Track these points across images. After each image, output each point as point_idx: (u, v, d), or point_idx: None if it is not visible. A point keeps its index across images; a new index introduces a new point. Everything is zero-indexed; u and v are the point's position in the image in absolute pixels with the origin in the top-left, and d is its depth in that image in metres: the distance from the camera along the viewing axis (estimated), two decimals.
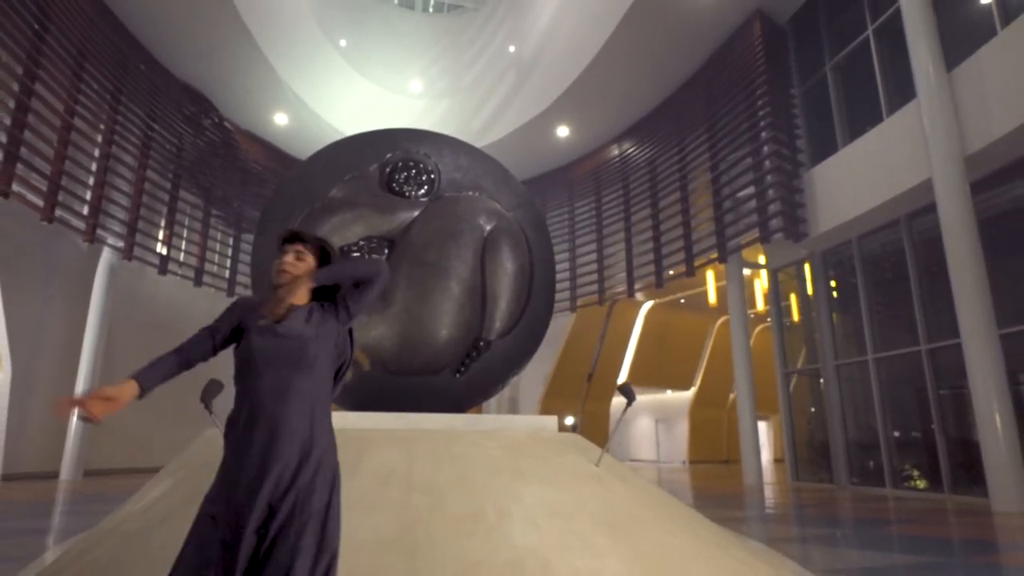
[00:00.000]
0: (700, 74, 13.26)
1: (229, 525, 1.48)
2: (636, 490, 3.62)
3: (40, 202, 10.12)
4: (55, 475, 11.72)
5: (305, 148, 16.10)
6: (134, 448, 13.65)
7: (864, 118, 10.20)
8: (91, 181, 11.60)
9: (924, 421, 9.30)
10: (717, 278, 14.48)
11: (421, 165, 4.87)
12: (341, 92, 16.57)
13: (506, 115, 16.40)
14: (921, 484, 9.29)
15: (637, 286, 15.15)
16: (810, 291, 11.69)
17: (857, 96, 10.56)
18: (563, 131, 15.82)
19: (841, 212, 10.20)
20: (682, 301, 19.03)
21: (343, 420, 3.73)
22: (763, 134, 11.55)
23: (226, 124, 15.20)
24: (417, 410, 4.06)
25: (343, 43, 17.37)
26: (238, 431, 1.57)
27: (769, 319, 12.80)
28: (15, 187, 9.59)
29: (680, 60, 13.01)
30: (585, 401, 18.40)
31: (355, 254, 4.58)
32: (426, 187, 4.83)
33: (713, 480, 13.80)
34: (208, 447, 3.81)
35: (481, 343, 4.64)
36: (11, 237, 11.27)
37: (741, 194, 12.28)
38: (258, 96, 14.86)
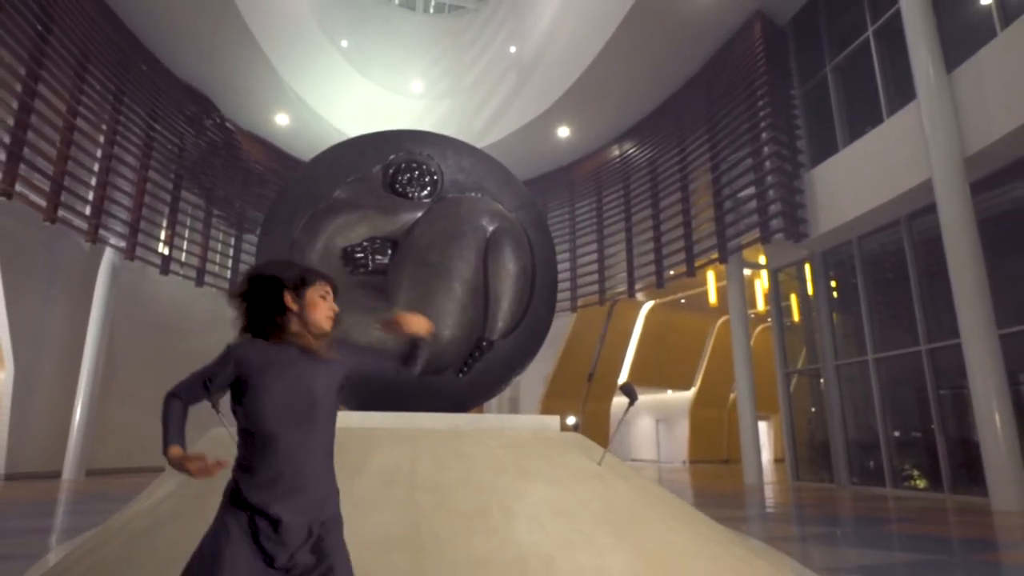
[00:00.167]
0: (701, 75, 13.29)
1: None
2: (638, 489, 3.65)
3: (43, 202, 10.16)
4: (57, 474, 11.75)
5: (306, 148, 16.14)
6: (136, 448, 13.68)
7: (864, 119, 10.23)
8: (93, 181, 11.63)
9: (924, 421, 9.33)
10: (718, 278, 14.51)
11: (424, 166, 4.91)
12: (342, 92, 16.60)
13: (507, 116, 16.43)
14: (921, 484, 9.32)
15: (638, 286, 15.18)
16: (810, 291, 11.72)
17: (857, 97, 10.59)
18: (564, 131, 15.85)
19: (841, 212, 10.23)
20: (683, 301, 19.07)
21: (347, 420, 3.76)
22: (763, 135, 11.58)
23: (228, 124, 15.24)
24: (420, 410, 4.09)
25: (344, 44, 17.40)
26: (257, 488, 1.44)
27: (769, 319, 12.83)
28: (18, 187, 9.62)
29: (681, 61, 13.04)
30: (586, 401, 18.43)
31: (358, 254, 4.61)
32: (429, 188, 4.86)
33: (713, 480, 13.83)
34: (213, 445, 3.84)
35: (484, 343, 4.67)
36: (14, 237, 11.30)
37: (742, 194, 12.31)
38: (259, 96, 14.89)
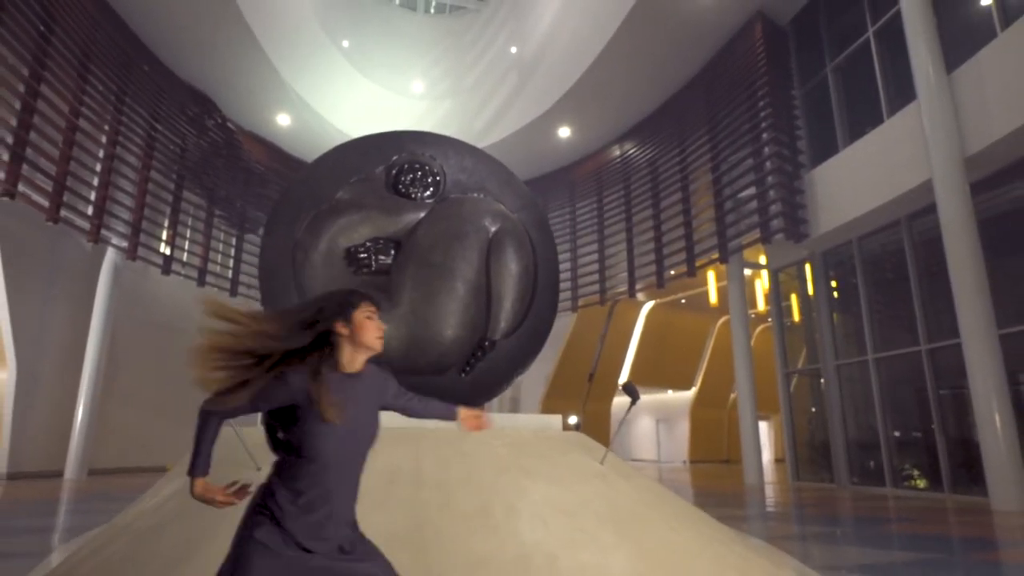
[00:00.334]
0: (701, 75, 13.31)
1: None
2: (640, 488, 3.67)
3: (45, 202, 10.19)
4: (59, 474, 11.78)
5: (308, 149, 16.16)
6: (137, 447, 13.72)
7: (865, 119, 10.25)
8: (95, 182, 11.66)
9: (924, 421, 9.35)
10: (718, 278, 14.53)
11: (427, 167, 4.93)
12: (343, 93, 16.62)
13: (508, 116, 16.45)
14: (921, 483, 9.34)
15: (638, 286, 15.20)
16: (811, 291, 11.74)
17: (858, 97, 10.61)
18: (564, 132, 15.87)
19: (842, 213, 10.25)
20: (683, 301, 19.09)
21: None
22: (764, 135, 11.60)
23: (229, 125, 15.26)
24: None
25: (345, 44, 17.42)
26: (296, 512, 1.45)
27: (770, 319, 12.85)
28: (20, 187, 9.65)
29: (681, 61, 13.06)
30: (586, 401, 18.44)
31: (362, 254, 4.63)
32: (432, 189, 4.89)
33: (714, 479, 13.85)
34: (218, 445, 3.86)
35: (486, 343, 4.70)
36: (16, 237, 11.33)
37: (742, 195, 12.33)
38: (261, 97, 14.92)
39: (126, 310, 13.32)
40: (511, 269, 4.78)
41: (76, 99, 10.88)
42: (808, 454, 11.91)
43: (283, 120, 15.80)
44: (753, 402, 11.83)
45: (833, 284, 11.59)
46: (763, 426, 19.93)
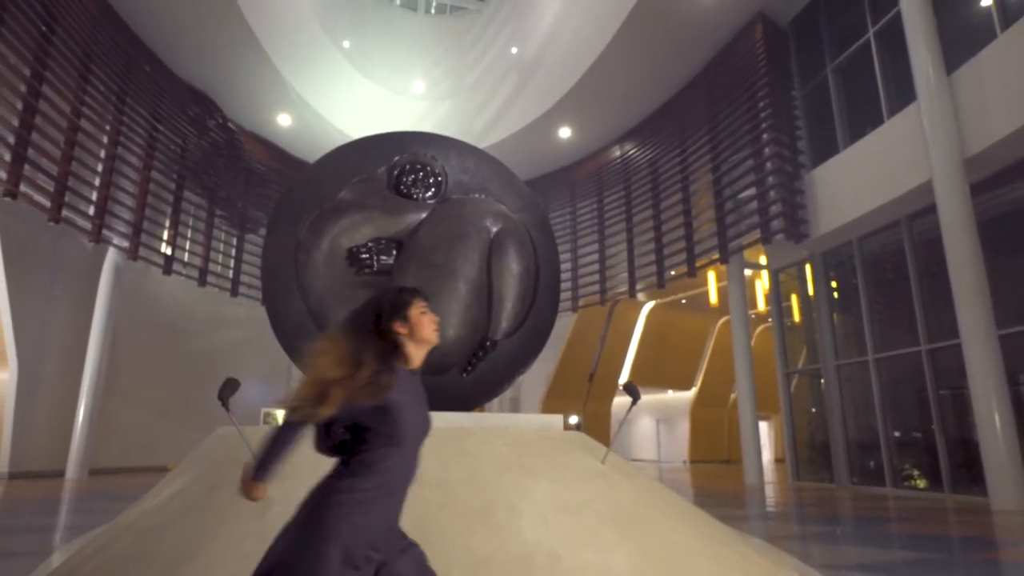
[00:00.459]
0: (702, 76, 13.32)
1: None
2: (641, 487, 3.69)
3: (47, 202, 10.21)
4: (61, 473, 11.80)
5: (309, 149, 16.18)
6: (138, 447, 13.74)
7: (865, 120, 10.26)
8: (97, 182, 11.68)
9: (924, 421, 9.36)
10: (718, 278, 14.54)
11: (428, 168, 4.95)
12: (344, 93, 16.64)
13: (508, 116, 16.47)
14: (921, 483, 9.35)
15: (639, 286, 15.21)
16: (811, 292, 11.75)
17: (858, 98, 10.62)
18: (565, 132, 15.89)
19: (842, 213, 10.26)
20: (683, 301, 19.10)
21: None
22: (764, 135, 11.61)
23: (230, 125, 15.28)
24: None
25: (346, 44, 17.44)
26: (368, 526, 1.52)
27: (770, 319, 12.86)
28: (22, 187, 9.68)
29: (682, 62, 13.08)
30: (587, 401, 18.46)
31: (363, 255, 4.65)
32: (433, 189, 4.91)
33: (714, 479, 13.87)
34: (221, 445, 3.89)
35: (488, 343, 4.71)
36: (18, 237, 11.36)
37: (742, 195, 12.35)
38: (262, 97, 14.94)
39: (127, 310, 13.35)
40: (512, 269, 4.79)
41: (77, 99, 10.90)
42: (808, 454, 11.92)
43: (284, 120, 15.82)
44: (753, 402, 11.84)
45: (833, 284, 11.60)
46: (763, 426, 19.94)
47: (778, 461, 23.57)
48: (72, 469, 11.72)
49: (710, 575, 3.02)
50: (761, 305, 16.35)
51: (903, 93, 9.26)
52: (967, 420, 8.40)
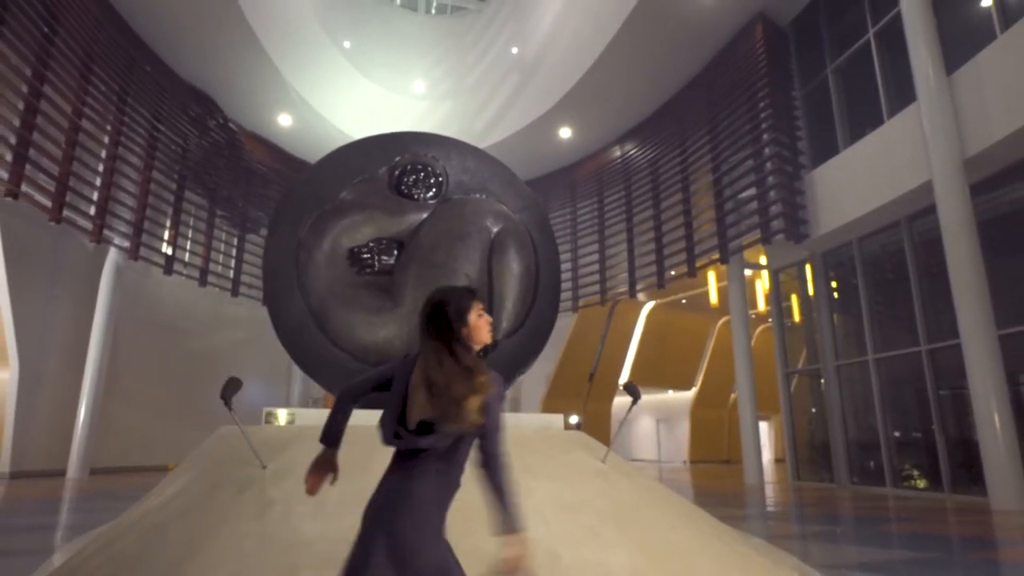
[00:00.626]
0: (702, 76, 13.34)
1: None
2: (641, 487, 3.70)
3: (48, 202, 10.23)
4: (62, 473, 11.81)
5: (309, 149, 16.20)
6: (139, 447, 13.76)
7: (865, 120, 10.27)
8: (98, 182, 11.70)
9: (924, 421, 9.37)
10: (718, 279, 14.55)
11: (429, 168, 4.96)
12: (345, 93, 16.65)
13: (509, 116, 16.48)
14: (921, 483, 9.36)
15: (639, 286, 15.23)
16: (811, 292, 11.76)
17: (858, 98, 10.63)
18: (565, 132, 15.90)
19: (842, 213, 10.28)
20: (683, 301, 19.10)
21: (354, 418, 3.80)
22: (764, 136, 11.62)
23: (231, 125, 15.30)
24: None
25: (347, 44, 17.45)
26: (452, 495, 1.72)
27: (770, 320, 12.87)
28: (24, 188, 9.69)
29: (682, 62, 13.09)
30: (587, 401, 18.47)
31: (365, 255, 4.66)
32: (434, 189, 4.92)
33: (714, 479, 13.88)
34: (223, 444, 3.90)
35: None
36: (19, 237, 11.37)
37: (742, 195, 12.36)
38: (262, 97, 14.95)
39: (128, 310, 13.36)
40: (513, 269, 4.80)
41: (79, 100, 10.92)
42: (808, 454, 11.93)
43: (284, 120, 15.84)
44: (753, 402, 11.85)
45: (833, 284, 11.61)
46: (763, 426, 19.95)
47: (778, 461, 23.57)
48: (73, 469, 11.74)
49: (710, 574, 3.03)
50: (761, 305, 16.36)
51: (903, 93, 9.28)
52: (967, 420, 8.41)
